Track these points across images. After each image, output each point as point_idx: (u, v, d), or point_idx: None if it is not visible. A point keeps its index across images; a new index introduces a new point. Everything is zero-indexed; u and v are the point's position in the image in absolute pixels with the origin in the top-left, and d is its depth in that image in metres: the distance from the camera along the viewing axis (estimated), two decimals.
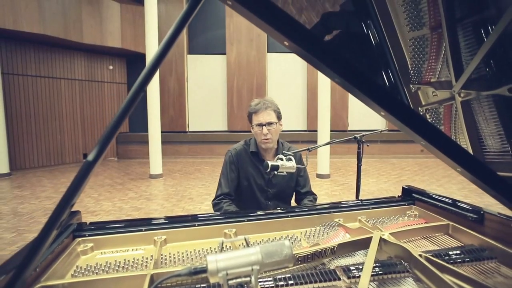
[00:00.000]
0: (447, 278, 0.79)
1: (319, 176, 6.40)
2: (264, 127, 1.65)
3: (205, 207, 4.50)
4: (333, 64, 0.70)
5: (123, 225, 1.18)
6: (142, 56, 8.45)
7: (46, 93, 7.74)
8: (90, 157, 0.59)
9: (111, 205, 4.69)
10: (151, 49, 6.47)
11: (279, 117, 1.71)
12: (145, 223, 1.19)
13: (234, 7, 0.66)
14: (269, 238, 1.17)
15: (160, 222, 1.20)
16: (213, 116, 9.38)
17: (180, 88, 9.21)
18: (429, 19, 1.07)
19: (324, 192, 5.28)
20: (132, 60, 9.20)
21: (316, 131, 6.66)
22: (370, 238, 1.04)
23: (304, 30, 0.67)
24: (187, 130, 9.33)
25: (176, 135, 9.05)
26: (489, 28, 0.97)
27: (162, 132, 6.77)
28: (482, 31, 0.98)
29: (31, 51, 7.37)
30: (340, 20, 1.19)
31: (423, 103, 1.21)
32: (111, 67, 8.95)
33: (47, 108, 7.78)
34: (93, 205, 4.66)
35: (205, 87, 9.28)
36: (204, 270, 0.56)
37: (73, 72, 8.20)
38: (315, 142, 6.68)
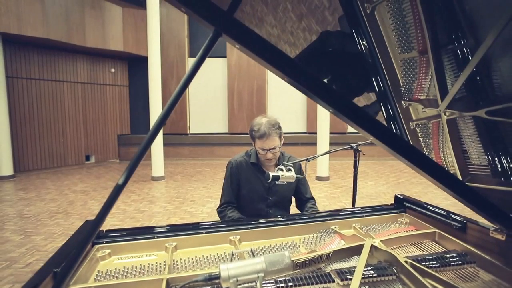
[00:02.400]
0: (427, 282, 0.90)
1: (318, 178, 6.51)
2: (268, 152, 1.75)
3: (207, 210, 4.60)
4: (328, 99, 0.81)
5: (136, 232, 1.29)
6: (144, 59, 8.55)
7: (49, 96, 7.85)
8: (120, 181, 0.70)
9: (115, 207, 4.79)
10: (153, 52, 6.59)
11: (280, 137, 1.78)
12: (157, 231, 1.30)
13: (242, 50, 0.77)
14: (270, 245, 1.28)
15: (171, 229, 1.31)
16: (214, 118, 9.48)
17: None
18: (417, 43, 1.18)
19: (323, 195, 5.39)
20: (134, 63, 9.32)
21: (316, 133, 6.78)
22: (363, 245, 1.15)
23: (301, 69, 0.78)
24: (188, 132, 9.43)
25: (177, 137, 9.15)
26: (469, 56, 1.08)
27: (163, 134, 6.88)
28: (463, 59, 1.10)
29: (35, 55, 7.48)
30: (336, 38, 1.30)
31: (414, 118, 1.32)
32: (113, 70, 9.06)
33: (50, 111, 7.89)
34: (97, 208, 4.77)
35: (206, 90, 9.39)
36: (217, 277, 0.67)
37: (75, 75, 8.30)
38: (315, 144, 6.80)
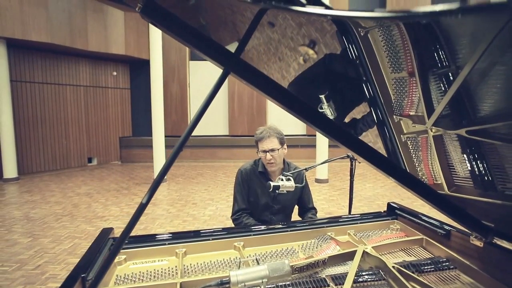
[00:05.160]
0: (411, 285, 1.02)
1: (317, 181, 6.62)
2: (267, 153, 1.86)
3: (209, 212, 4.71)
4: (326, 129, 0.93)
5: (148, 239, 1.41)
6: (145, 62, 8.69)
7: (52, 99, 7.97)
8: (144, 200, 0.81)
9: (119, 210, 4.91)
10: (155, 56, 6.73)
11: (282, 143, 1.89)
12: (167, 238, 1.42)
13: (248, 85, 0.89)
14: (272, 250, 1.39)
15: (180, 236, 1.42)
16: (214, 121, 9.60)
17: (182, 94, 9.44)
18: (406, 65, 1.30)
19: (322, 197, 5.50)
20: (135, 66, 9.44)
21: (315, 135, 6.89)
22: (355, 251, 1.27)
23: (302, 104, 0.90)
24: None
25: (179, 140, 9.25)
26: (452, 80, 1.20)
27: (165, 136, 7.00)
28: (447, 82, 1.21)
29: (38, 59, 7.60)
30: (333, 57, 1.42)
31: (405, 131, 1.44)
32: (115, 73, 9.18)
33: (53, 114, 8.00)
34: (101, 210, 4.88)
35: (207, 93, 9.46)
36: (228, 282, 0.79)
37: (78, 78, 8.42)
38: (314, 146, 6.92)
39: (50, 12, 6.86)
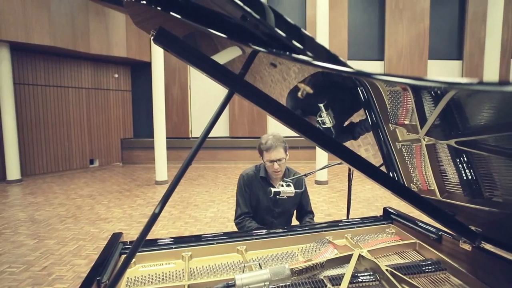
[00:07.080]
0: (402, 286, 1.10)
1: (317, 182, 6.70)
2: (275, 163, 1.95)
3: (210, 214, 4.79)
4: (321, 142, 1.00)
5: (156, 243, 1.49)
6: (146, 64, 8.78)
7: (54, 101, 8.06)
8: (157, 210, 0.89)
9: (122, 212, 4.99)
10: (157, 58, 6.82)
11: (286, 151, 2.00)
12: (174, 241, 1.49)
13: (251, 103, 0.97)
14: (273, 254, 1.47)
15: (186, 240, 1.50)
16: None
17: (183, 96, 9.53)
18: None
19: (322, 199, 5.58)
20: (137, 68, 9.53)
21: None
22: (352, 255, 1.34)
23: (300, 120, 0.97)
24: (190, 136, 9.64)
25: (179, 141, 9.35)
26: (441, 94, 1.27)
27: (166, 138, 7.08)
28: (437, 96, 1.29)
29: (41, 62, 7.69)
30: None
31: (400, 139, 1.52)
32: (116, 75, 9.26)
33: (56, 116, 8.09)
34: (104, 212, 4.96)
35: (207, 95, 9.59)
36: (233, 285, 0.87)
37: (80, 81, 8.51)
38: (314, 148, 7.00)
39: (52, 16, 6.95)
